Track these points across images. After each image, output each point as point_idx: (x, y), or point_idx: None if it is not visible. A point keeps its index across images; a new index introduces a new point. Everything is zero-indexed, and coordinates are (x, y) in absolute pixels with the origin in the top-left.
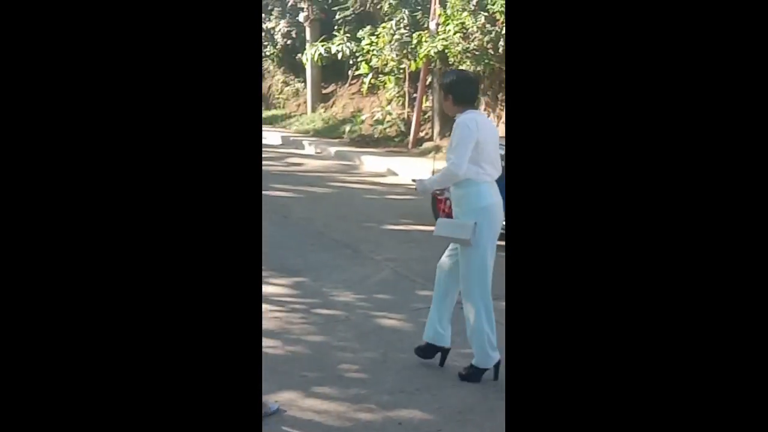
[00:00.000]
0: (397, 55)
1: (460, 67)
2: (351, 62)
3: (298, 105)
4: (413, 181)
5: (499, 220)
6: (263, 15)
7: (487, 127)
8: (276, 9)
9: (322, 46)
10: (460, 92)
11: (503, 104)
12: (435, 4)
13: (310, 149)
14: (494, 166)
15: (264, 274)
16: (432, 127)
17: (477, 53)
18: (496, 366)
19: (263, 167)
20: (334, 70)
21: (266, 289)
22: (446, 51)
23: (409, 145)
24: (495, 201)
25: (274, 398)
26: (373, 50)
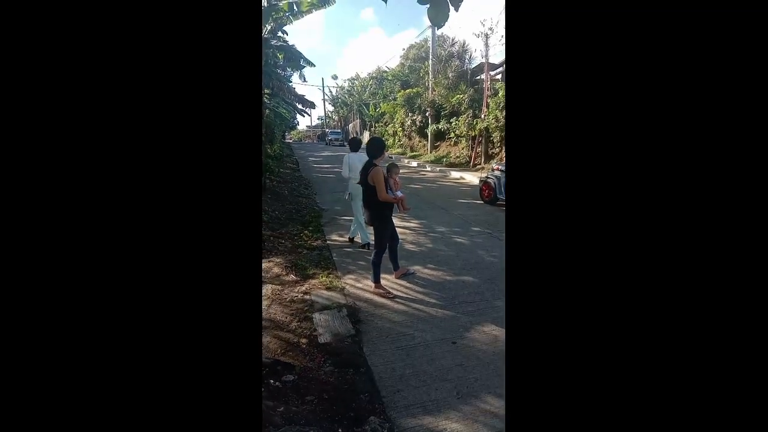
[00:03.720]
0: (466, 128)
1: (492, 134)
2: (447, 131)
3: (425, 149)
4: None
5: (355, 196)
6: (412, 113)
7: (354, 157)
8: (418, 111)
9: (436, 125)
10: (351, 145)
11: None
12: (485, 107)
13: (428, 169)
14: (355, 174)
15: (408, 219)
16: (481, 159)
17: (499, 127)
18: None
19: (409, 176)
20: (438, 136)
21: (409, 224)
22: (488, 126)
23: (470, 166)
24: (351, 190)
25: (413, 268)
26: (456, 126)
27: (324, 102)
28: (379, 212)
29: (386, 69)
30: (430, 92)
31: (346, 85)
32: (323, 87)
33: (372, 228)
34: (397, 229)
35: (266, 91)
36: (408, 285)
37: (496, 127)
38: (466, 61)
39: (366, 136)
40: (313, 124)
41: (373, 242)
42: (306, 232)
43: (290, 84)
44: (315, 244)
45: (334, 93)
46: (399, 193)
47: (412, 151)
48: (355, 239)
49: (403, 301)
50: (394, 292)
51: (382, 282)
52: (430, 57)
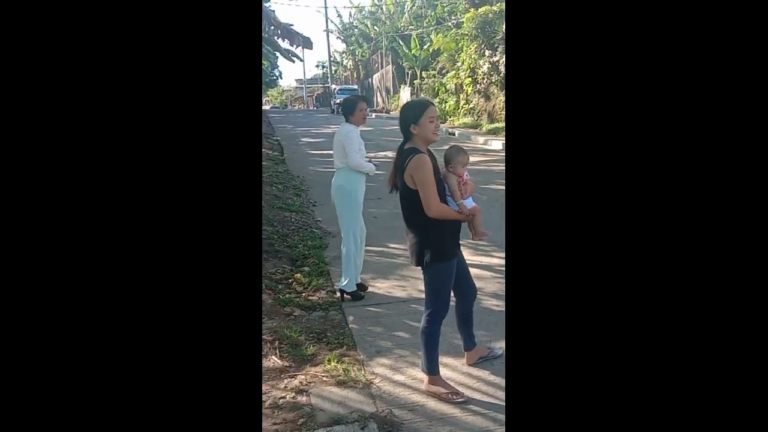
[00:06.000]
0: None
1: None
2: None
3: None
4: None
5: (333, 194)
6: (491, 51)
7: (345, 133)
8: (501, 45)
9: None
10: (344, 109)
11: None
12: None
13: None
14: (338, 159)
15: (489, 248)
16: None
17: None
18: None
19: (488, 168)
20: None
21: (491, 260)
22: None
23: None
24: (334, 182)
25: (499, 345)
26: None
27: (328, 36)
28: (433, 241)
29: None
30: None
31: (367, 3)
32: (326, 8)
33: (425, 274)
34: (472, 272)
35: None
36: (493, 379)
37: None
38: None
39: (403, 96)
40: (309, 76)
41: (430, 300)
42: (298, 275)
43: (265, 3)
44: (315, 298)
45: (345, 19)
46: (469, 203)
47: (492, 122)
48: (345, 291)
49: (484, 411)
50: (466, 393)
51: (444, 372)
52: None
